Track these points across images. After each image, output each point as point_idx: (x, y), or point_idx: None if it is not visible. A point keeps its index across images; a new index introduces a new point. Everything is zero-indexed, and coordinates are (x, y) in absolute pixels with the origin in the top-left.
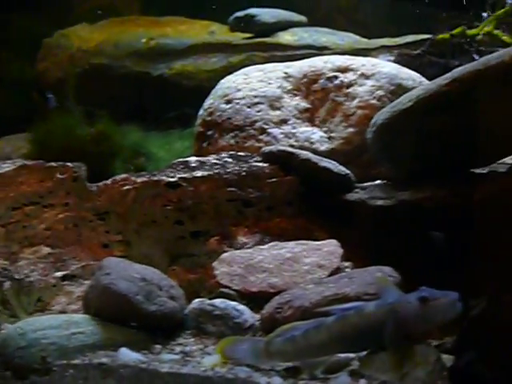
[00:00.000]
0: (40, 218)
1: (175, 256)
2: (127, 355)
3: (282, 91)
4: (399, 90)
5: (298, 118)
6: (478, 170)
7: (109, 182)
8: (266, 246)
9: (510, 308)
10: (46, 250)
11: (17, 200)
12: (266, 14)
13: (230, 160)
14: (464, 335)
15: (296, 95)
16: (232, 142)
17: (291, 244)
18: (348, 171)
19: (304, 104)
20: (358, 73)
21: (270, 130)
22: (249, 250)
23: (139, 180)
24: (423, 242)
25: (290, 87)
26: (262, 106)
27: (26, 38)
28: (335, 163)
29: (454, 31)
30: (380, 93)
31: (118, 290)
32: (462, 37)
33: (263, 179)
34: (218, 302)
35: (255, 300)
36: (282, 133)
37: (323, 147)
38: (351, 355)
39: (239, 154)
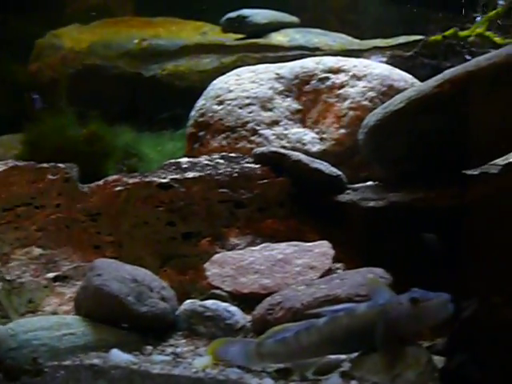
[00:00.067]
0: (31, 219)
1: (167, 257)
2: (118, 356)
3: (273, 92)
4: (391, 91)
5: (290, 119)
6: (469, 172)
7: (101, 182)
8: (257, 248)
9: (501, 309)
10: (37, 251)
11: (8, 201)
12: (258, 15)
13: (221, 161)
14: (455, 336)
15: (288, 96)
16: (224, 143)
17: (283, 245)
18: (340, 172)
19: (296, 105)
20: (350, 74)
21: (261, 131)
22: (240, 252)
23: (131, 181)
24: (415, 243)
25: (281, 88)
26: (253, 107)
27: (18, 38)
28: (327, 164)
29: (446, 32)
30: (372, 94)
31: (110, 291)
32: (454, 38)
33: (255, 180)
34: (209, 303)
35: (246, 301)
36: (273, 134)
37: (315, 148)
38: (342, 356)
39: (231, 155)
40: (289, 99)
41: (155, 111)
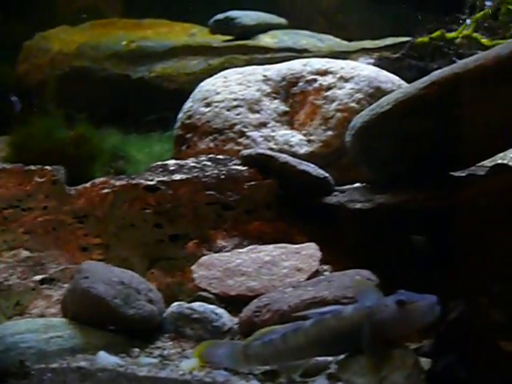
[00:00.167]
0: (19, 221)
1: (154, 259)
2: (105, 359)
3: (261, 94)
4: (378, 93)
5: (277, 121)
6: (457, 173)
7: (88, 185)
8: (244, 250)
9: (488, 310)
10: (24, 253)
11: None
12: (246, 17)
13: (208, 163)
14: (442, 338)
15: (275, 98)
16: (211, 145)
17: (270, 247)
18: (327, 174)
19: (283, 107)
20: (337, 76)
21: (249, 133)
22: (227, 254)
23: (118, 183)
24: (403, 244)
25: (269, 90)
26: (241, 109)
27: (7, 40)
28: (314, 166)
29: (433, 34)
30: (359, 96)
31: (97, 294)
32: (441, 40)
33: (242, 182)
34: (196, 305)
35: (234, 303)
36: (261, 136)
37: (302, 150)
38: (329, 359)
39: (218, 157)
40: (276, 101)
41: (143, 113)
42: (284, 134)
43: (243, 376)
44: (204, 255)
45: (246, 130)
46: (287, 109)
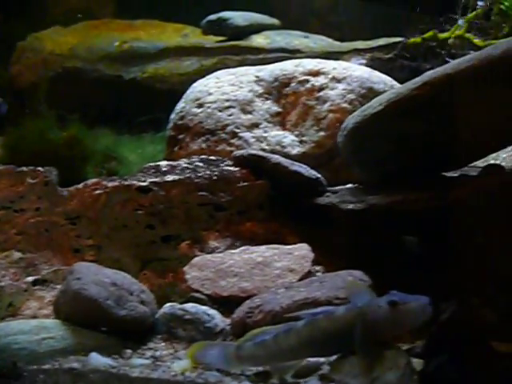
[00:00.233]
0: (11, 222)
1: (146, 260)
2: (97, 360)
3: (253, 95)
4: (370, 93)
5: (270, 122)
6: (449, 174)
7: (80, 186)
8: (237, 251)
9: (479, 311)
10: (17, 254)
11: None
12: (239, 17)
13: (201, 164)
14: (434, 339)
15: (267, 99)
16: (203, 146)
17: (262, 248)
18: (319, 175)
19: (275, 108)
20: (330, 76)
21: (241, 134)
22: (220, 255)
23: (110, 184)
24: (395, 245)
25: (261, 91)
26: (233, 110)
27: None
28: (306, 167)
29: (426, 35)
30: (351, 96)
31: (89, 295)
32: (433, 40)
33: (234, 183)
34: (188, 306)
35: (226, 304)
36: (253, 137)
37: (294, 151)
38: (321, 359)
39: (210, 158)
40: (268, 102)
41: (135, 114)
42: (276, 134)
43: (235, 377)
44: (196, 256)
45: (238, 130)
46: (279, 109)
